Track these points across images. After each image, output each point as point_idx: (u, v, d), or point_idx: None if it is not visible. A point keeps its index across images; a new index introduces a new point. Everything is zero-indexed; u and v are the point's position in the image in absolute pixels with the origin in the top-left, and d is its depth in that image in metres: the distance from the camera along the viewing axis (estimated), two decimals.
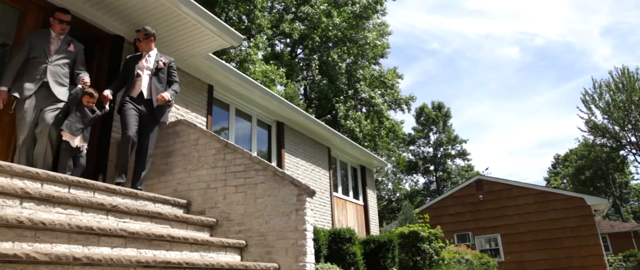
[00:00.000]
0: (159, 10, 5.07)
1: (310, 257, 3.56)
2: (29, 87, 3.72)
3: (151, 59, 4.47)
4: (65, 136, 3.86)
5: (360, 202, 11.01)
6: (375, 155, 11.92)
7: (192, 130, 4.40)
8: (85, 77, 4.09)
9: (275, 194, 3.74)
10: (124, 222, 3.07)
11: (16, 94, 3.70)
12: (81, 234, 2.53)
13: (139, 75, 4.33)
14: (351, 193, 10.73)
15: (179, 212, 3.80)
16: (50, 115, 3.78)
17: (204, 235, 3.66)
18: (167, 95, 4.32)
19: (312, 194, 3.73)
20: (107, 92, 4.24)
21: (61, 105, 3.95)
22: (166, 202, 3.80)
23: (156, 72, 4.44)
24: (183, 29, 5.47)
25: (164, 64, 4.53)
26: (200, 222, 3.71)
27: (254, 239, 3.70)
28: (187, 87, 6.03)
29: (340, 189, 10.18)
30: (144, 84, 4.30)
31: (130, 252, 2.77)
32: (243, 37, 6.07)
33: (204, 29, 5.40)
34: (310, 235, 3.63)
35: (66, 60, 4.06)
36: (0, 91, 3.66)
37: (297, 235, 3.57)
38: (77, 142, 3.92)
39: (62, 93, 3.93)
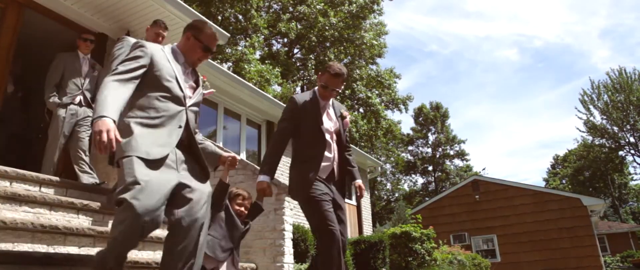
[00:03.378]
0: (143, 7, 5.04)
1: (288, 258, 3.51)
2: None
3: (331, 111, 2.89)
4: (209, 263, 2.51)
5: (353, 202, 10.97)
6: (369, 156, 11.87)
7: None
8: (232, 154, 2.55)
9: (254, 193, 3.70)
10: (95, 221, 3.03)
11: None
12: (46, 233, 2.48)
13: (328, 144, 2.78)
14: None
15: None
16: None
17: None
18: (361, 183, 2.90)
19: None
20: (265, 180, 2.66)
21: None
22: None
23: (343, 134, 2.91)
24: (172, 30, 5.43)
25: (348, 121, 2.99)
26: None
27: None
28: None
29: None
30: (335, 158, 2.80)
31: None
32: (228, 35, 6.04)
33: None
34: (289, 235, 3.59)
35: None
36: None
37: (275, 235, 3.52)
38: None
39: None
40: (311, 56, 20.17)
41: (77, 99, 4.10)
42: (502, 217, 15.62)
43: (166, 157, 1.97)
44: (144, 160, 1.88)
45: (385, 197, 35.80)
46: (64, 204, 2.85)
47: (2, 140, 5.22)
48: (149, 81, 2.08)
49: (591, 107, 28.66)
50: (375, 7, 20.34)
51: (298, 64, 20.90)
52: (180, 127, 2.10)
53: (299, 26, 19.58)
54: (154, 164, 1.91)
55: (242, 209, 2.71)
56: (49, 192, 3.03)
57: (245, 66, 14.59)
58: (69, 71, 4.13)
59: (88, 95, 4.17)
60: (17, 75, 5.18)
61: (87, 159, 4.00)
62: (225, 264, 2.57)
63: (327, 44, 20.08)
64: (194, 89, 2.26)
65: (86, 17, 5.04)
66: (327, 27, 18.94)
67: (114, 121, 1.81)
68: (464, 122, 69.63)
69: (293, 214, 3.81)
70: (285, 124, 2.79)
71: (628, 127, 28.12)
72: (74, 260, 2.23)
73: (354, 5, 19.59)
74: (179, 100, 2.13)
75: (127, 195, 1.77)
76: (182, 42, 2.31)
